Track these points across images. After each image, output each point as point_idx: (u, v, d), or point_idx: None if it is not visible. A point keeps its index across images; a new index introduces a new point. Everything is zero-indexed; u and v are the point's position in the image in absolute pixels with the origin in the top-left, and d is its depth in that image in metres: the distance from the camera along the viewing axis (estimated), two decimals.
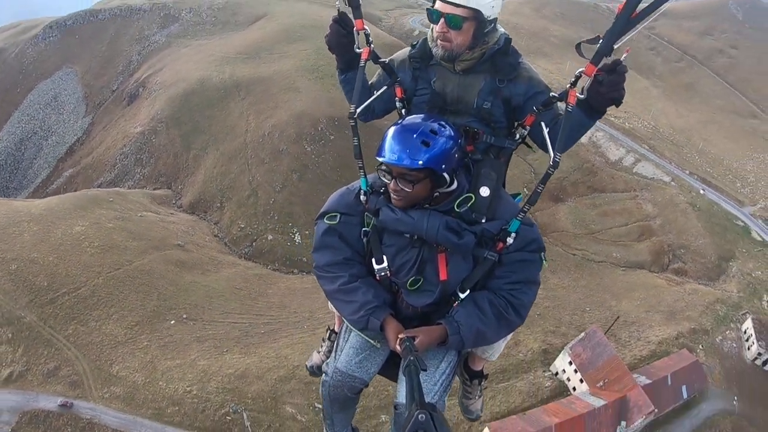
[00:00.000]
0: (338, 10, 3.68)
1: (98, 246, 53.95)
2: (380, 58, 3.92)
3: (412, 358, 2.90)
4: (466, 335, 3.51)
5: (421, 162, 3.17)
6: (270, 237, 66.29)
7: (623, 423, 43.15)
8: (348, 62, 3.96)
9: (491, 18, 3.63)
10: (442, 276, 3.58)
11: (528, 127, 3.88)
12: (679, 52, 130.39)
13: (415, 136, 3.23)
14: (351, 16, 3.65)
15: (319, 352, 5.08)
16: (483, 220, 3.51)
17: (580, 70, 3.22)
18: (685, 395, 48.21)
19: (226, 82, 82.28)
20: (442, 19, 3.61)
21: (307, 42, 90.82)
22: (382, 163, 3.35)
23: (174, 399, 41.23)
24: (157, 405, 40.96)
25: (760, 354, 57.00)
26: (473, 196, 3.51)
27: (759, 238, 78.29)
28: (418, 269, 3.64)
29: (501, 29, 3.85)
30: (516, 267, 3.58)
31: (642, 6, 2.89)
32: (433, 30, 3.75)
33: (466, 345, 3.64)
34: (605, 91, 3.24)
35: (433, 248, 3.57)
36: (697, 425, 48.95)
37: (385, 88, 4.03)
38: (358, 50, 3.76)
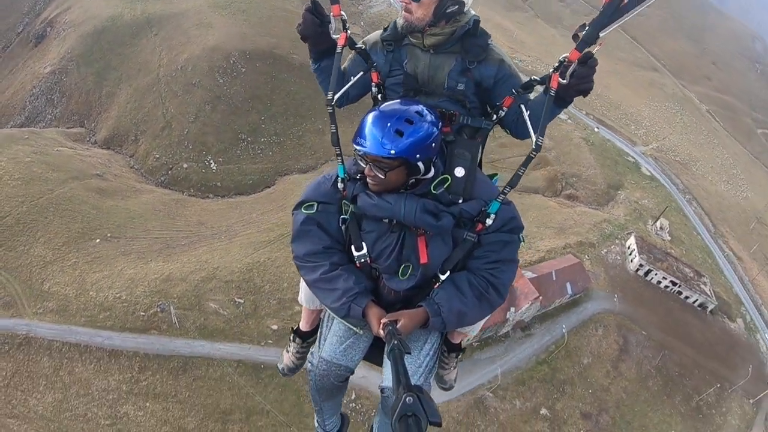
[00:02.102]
0: None
1: (19, 178, 56.82)
2: (356, 44, 3.99)
3: (396, 342, 3.00)
4: (447, 317, 3.59)
5: (393, 151, 3.24)
6: (185, 165, 70.87)
7: (512, 309, 50.92)
8: (322, 52, 3.98)
9: None
10: (423, 259, 3.64)
11: (506, 109, 3.94)
12: (589, 6, 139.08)
13: (389, 124, 3.28)
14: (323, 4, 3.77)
15: (288, 352, 5.09)
16: (460, 201, 3.59)
17: (564, 55, 3.32)
18: (569, 291, 56.47)
19: (137, 19, 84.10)
20: None
21: None
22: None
23: (105, 306, 46.03)
24: (89, 313, 45.52)
25: (641, 265, 66.62)
26: (449, 177, 3.57)
27: (648, 174, 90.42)
28: (399, 254, 3.71)
29: (472, 11, 3.94)
30: (495, 247, 3.66)
31: None
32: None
33: (447, 326, 3.71)
34: (575, 82, 3.33)
35: (413, 232, 3.64)
36: (583, 320, 57.86)
37: (361, 74, 4.10)
38: (335, 36, 3.81)
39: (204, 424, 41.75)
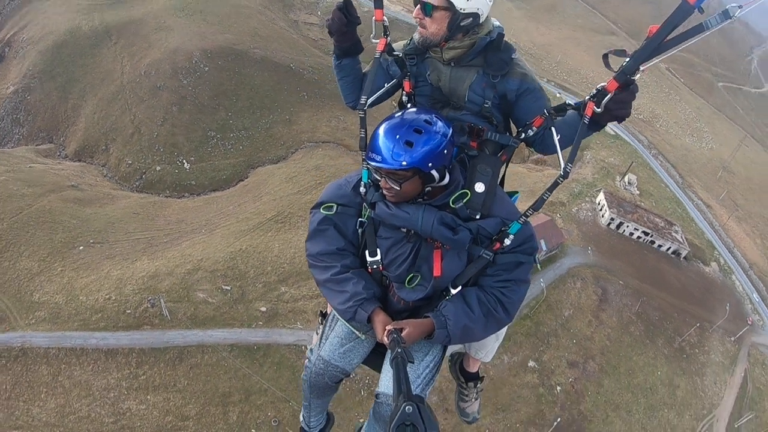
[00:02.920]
0: None
1: None
2: (394, 51, 4.06)
3: (399, 350, 3.03)
4: (452, 330, 3.60)
5: (404, 162, 3.27)
6: (158, 168, 72.22)
7: None
8: (345, 50, 4.07)
9: (466, 11, 3.69)
10: (436, 272, 3.69)
11: (535, 128, 3.90)
12: None
13: (398, 136, 3.30)
14: (356, 8, 3.83)
15: (317, 334, 4.95)
16: (478, 217, 3.61)
17: (602, 85, 3.29)
18: (544, 247, 58.49)
19: (96, 30, 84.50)
20: (419, 5, 3.76)
21: None
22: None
23: (96, 308, 47.32)
24: (81, 317, 46.76)
25: (612, 219, 69.54)
26: (468, 192, 3.60)
27: (612, 133, 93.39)
28: (411, 264, 3.76)
29: (496, 22, 3.98)
30: (509, 266, 3.67)
31: (675, 33, 2.91)
32: None
33: (452, 340, 3.71)
34: (613, 107, 3.30)
35: (429, 244, 3.69)
36: (561, 275, 60.27)
37: (394, 81, 4.21)
38: (374, 41, 3.91)
39: (205, 409, 43.37)
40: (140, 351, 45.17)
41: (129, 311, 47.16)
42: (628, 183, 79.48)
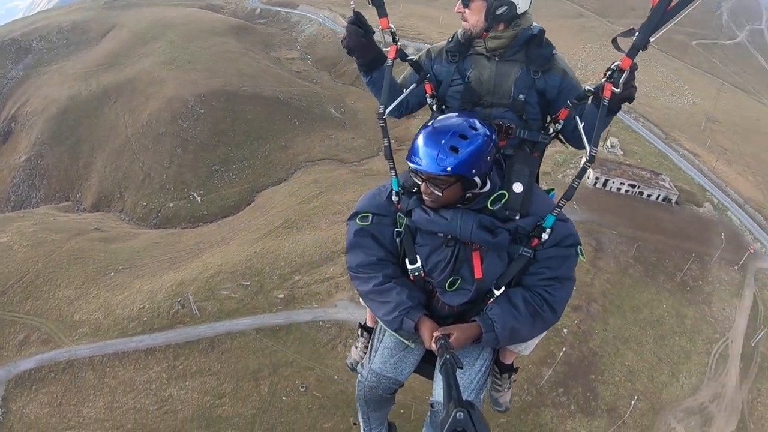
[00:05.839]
0: (353, 10, 3.91)
1: (27, 245, 64.72)
2: (408, 56, 4.11)
3: (448, 356, 3.02)
4: (500, 333, 3.61)
5: (449, 169, 3.29)
6: (171, 205, 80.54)
7: None
8: (370, 64, 4.12)
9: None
10: (477, 275, 3.70)
11: (562, 122, 4.04)
12: None
13: (443, 141, 3.33)
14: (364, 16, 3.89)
15: (356, 348, 5.16)
16: (516, 217, 3.66)
17: (617, 63, 3.35)
18: None
19: (95, 93, 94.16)
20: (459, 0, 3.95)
21: (159, 40, 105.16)
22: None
23: (132, 317, 53.70)
24: (119, 326, 53.02)
25: (597, 178, 74.20)
26: (506, 193, 3.65)
27: None
28: (452, 268, 3.78)
29: (536, 24, 4.11)
30: (551, 263, 3.70)
31: None
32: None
33: (500, 342, 3.73)
34: (618, 90, 3.38)
35: (467, 247, 3.71)
36: None
37: (414, 86, 4.25)
38: (385, 50, 3.99)
39: (239, 385, 48.68)
40: (176, 346, 51.18)
41: (162, 315, 53.45)
42: (611, 146, 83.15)
